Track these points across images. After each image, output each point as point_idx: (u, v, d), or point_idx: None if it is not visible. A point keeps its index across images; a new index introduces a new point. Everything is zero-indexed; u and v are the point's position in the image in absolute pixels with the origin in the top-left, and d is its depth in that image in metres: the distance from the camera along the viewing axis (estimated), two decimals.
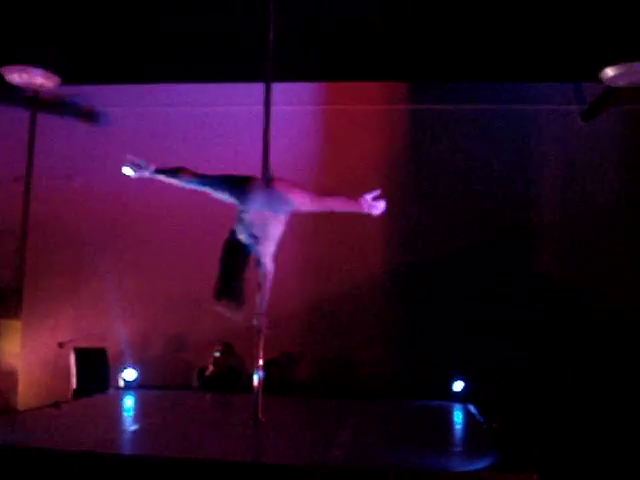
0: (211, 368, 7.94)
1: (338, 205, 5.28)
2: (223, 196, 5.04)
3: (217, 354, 7.91)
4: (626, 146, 8.57)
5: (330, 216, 8.62)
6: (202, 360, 8.21)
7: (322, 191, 5.30)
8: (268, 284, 5.17)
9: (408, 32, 7.49)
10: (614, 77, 7.20)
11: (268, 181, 5.06)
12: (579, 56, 7.56)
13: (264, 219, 4.92)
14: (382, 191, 5.25)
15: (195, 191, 5.26)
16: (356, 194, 8.60)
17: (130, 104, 9.14)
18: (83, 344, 8.40)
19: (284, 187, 5.04)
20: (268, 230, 4.95)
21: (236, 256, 4.92)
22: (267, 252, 5.06)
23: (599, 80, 7.46)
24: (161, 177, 5.09)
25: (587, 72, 7.63)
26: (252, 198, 4.92)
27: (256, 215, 4.91)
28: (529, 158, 8.80)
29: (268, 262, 5.12)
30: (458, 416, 6.37)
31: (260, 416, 5.07)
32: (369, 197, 5.16)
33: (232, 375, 7.89)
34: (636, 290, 8.13)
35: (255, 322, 4.90)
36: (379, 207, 5.21)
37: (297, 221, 8.65)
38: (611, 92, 7.79)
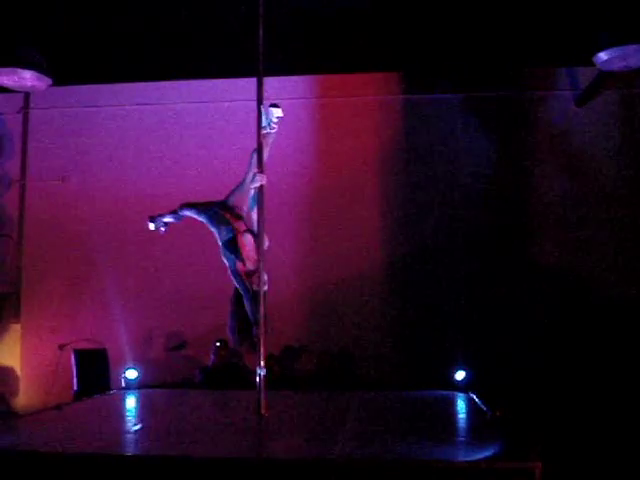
0: (212, 358, 7.96)
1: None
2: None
3: (218, 344, 7.94)
4: (621, 129, 8.55)
5: (330, 210, 8.70)
6: (203, 358, 8.21)
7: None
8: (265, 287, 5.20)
9: (398, 21, 7.46)
10: (607, 61, 7.16)
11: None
12: (572, 41, 7.52)
13: None
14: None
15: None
16: (350, 185, 8.68)
17: (123, 103, 9.10)
18: (83, 345, 8.38)
19: None
20: None
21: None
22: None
23: (592, 64, 7.43)
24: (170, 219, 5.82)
25: (580, 57, 7.60)
26: None
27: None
28: (524, 143, 8.77)
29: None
30: (461, 405, 6.36)
31: (263, 412, 5.06)
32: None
33: (232, 370, 7.89)
34: (637, 275, 8.12)
35: (254, 331, 4.93)
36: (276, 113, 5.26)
37: (296, 217, 8.75)
38: (605, 76, 7.76)
